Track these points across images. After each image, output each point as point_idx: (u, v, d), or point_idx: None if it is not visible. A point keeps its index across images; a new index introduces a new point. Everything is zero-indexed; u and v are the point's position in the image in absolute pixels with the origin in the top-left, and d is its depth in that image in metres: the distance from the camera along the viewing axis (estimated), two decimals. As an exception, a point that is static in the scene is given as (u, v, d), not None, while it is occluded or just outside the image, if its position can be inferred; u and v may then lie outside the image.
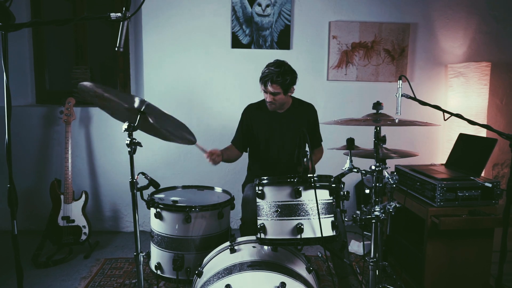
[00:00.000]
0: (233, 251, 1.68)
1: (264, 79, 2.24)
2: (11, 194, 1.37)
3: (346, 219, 1.65)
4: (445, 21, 3.47)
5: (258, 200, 1.61)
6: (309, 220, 1.52)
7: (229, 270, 1.53)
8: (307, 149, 1.62)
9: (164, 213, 1.97)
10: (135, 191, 1.73)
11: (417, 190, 2.35)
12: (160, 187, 1.92)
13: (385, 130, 1.73)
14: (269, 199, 1.57)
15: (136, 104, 1.69)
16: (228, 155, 2.40)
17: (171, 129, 1.96)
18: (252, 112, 2.48)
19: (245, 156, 2.57)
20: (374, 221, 1.66)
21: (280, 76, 2.21)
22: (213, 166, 3.34)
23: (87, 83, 1.63)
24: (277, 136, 2.41)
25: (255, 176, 1.90)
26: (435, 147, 3.59)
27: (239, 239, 1.80)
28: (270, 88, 2.24)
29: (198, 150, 3.35)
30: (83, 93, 1.73)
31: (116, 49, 1.35)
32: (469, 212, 2.16)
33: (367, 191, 1.72)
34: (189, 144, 2.06)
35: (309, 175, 1.54)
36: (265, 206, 1.57)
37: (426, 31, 3.47)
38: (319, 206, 1.52)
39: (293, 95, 2.46)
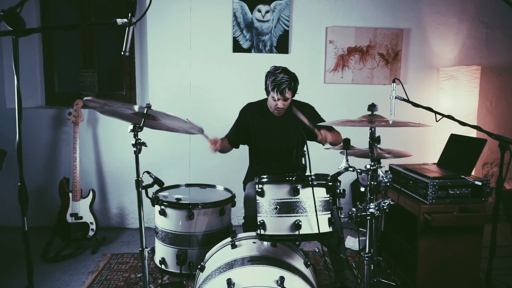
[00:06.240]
0: (234, 246, 1.70)
1: (281, 87, 2.23)
2: (21, 192, 1.38)
3: (342, 216, 1.66)
4: (437, 27, 3.53)
5: (258, 197, 1.63)
6: (307, 217, 1.54)
7: (230, 265, 1.54)
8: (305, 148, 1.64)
9: (168, 210, 1.98)
10: (140, 189, 1.77)
11: (410, 188, 2.38)
12: (164, 185, 1.96)
13: (379, 131, 1.71)
14: (269, 197, 1.59)
15: (138, 111, 1.74)
16: (223, 146, 2.42)
17: (176, 125, 2.02)
18: (252, 112, 2.49)
19: (245, 155, 2.61)
20: (369, 218, 1.68)
21: (292, 82, 2.28)
22: (214, 166, 3.44)
23: (91, 98, 1.70)
24: (276, 135, 2.44)
25: (256, 174, 1.95)
26: (428, 147, 3.64)
27: (240, 235, 1.80)
28: (287, 95, 2.28)
29: (200, 150, 3.49)
30: (90, 103, 1.80)
31: (122, 53, 1.37)
32: (460, 209, 2.19)
33: (362, 189, 1.73)
34: (194, 134, 2.11)
35: (307, 174, 1.56)
36: (265, 204, 1.59)
37: (419, 36, 3.52)
38: (316, 203, 1.54)
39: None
